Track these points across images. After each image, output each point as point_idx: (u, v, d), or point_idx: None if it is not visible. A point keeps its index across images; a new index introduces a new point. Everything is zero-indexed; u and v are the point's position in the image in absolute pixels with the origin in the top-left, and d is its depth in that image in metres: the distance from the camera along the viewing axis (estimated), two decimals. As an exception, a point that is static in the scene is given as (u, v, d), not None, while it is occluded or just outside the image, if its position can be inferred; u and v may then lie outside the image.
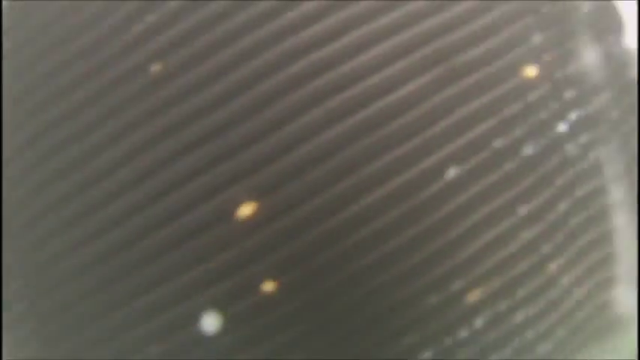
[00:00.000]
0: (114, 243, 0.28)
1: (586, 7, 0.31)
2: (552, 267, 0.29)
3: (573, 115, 0.30)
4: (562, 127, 0.29)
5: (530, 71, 0.29)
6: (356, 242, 0.27)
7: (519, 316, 0.29)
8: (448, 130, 0.28)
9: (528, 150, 0.29)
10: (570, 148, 0.29)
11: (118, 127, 0.28)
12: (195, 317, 0.27)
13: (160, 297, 0.28)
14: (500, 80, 0.29)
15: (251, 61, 0.28)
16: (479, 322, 0.28)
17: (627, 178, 0.31)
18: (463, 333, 0.28)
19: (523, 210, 0.28)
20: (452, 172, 0.28)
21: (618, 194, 0.30)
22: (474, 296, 0.28)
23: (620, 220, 0.30)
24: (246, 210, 0.27)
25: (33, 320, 0.29)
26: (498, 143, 0.28)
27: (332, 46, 0.28)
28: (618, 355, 0.31)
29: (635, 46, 0.32)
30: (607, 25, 0.31)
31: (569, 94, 0.30)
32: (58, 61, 0.29)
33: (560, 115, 0.29)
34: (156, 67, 0.28)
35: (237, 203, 0.27)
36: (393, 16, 0.29)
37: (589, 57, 0.31)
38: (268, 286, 0.27)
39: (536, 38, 0.30)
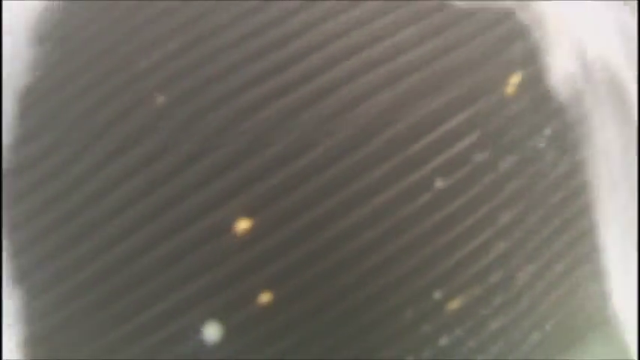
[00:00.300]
0: (114, 260, 0.29)
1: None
2: (526, 275, 0.30)
3: (549, 130, 0.30)
4: (539, 141, 0.30)
5: (512, 83, 0.30)
6: (343, 256, 0.28)
7: (496, 324, 0.29)
8: (431, 145, 0.29)
9: (506, 163, 0.29)
10: (546, 160, 0.30)
11: (112, 146, 0.29)
12: (196, 329, 0.28)
13: (160, 311, 0.28)
14: (481, 94, 0.29)
15: (236, 75, 0.28)
16: (458, 331, 0.29)
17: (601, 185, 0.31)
18: (444, 341, 0.29)
19: (502, 220, 0.29)
20: (436, 186, 0.28)
21: (590, 200, 0.31)
22: (454, 305, 0.29)
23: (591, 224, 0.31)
24: (242, 225, 0.28)
25: (33, 337, 0.30)
26: (479, 157, 0.29)
27: (311, 59, 0.29)
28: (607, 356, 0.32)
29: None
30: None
31: (546, 107, 0.30)
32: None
33: (538, 129, 0.30)
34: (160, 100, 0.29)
35: (233, 219, 0.28)
36: (369, 27, 0.29)
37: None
38: (264, 298, 0.28)
39: (516, 49, 0.30)
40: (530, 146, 0.30)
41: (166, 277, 0.28)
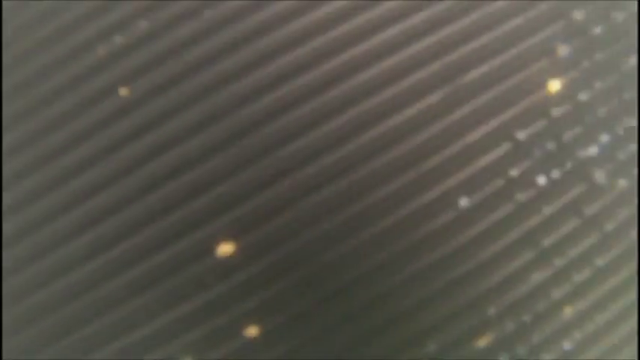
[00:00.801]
0: (86, 278, 0.27)
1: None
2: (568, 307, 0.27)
3: (602, 138, 0.27)
4: (587, 151, 0.27)
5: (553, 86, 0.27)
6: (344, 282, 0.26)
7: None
8: (459, 156, 0.25)
9: (546, 178, 0.26)
10: (597, 176, 0.27)
11: (93, 151, 0.27)
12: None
13: (139, 338, 0.25)
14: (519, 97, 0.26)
15: (223, 91, 0.26)
16: None
17: None
18: None
19: (543, 243, 0.26)
20: (462, 203, 0.25)
21: None
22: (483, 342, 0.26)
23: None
24: (224, 249, 0.25)
25: None
26: (514, 171, 0.26)
27: (317, 70, 0.26)
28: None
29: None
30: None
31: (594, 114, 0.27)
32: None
33: (584, 138, 0.27)
34: (124, 92, 0.26)
35: (215, 241, 0.25)
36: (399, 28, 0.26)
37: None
38: (250, 331, 0.25)
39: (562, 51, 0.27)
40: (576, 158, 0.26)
41: (144, 301, 0.26)
